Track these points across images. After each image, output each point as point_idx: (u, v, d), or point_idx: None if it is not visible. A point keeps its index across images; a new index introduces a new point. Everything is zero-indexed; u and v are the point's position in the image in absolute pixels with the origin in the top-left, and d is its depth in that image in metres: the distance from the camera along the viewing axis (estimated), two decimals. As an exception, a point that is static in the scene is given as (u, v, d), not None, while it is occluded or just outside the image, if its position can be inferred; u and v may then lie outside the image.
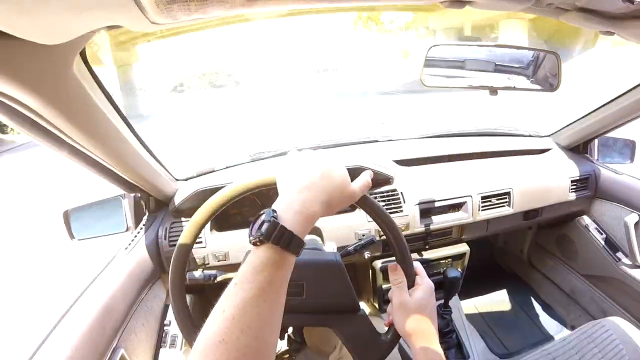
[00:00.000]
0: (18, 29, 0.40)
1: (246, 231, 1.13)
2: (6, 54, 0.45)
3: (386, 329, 0.73)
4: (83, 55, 0.64)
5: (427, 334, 0.64)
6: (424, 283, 0.68)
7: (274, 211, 0.47)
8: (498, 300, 1.80)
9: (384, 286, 1.34)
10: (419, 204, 1.23)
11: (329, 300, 0.82)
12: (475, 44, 1.03)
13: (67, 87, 0.59)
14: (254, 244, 0.46)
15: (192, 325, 0.76)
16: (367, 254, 1.24)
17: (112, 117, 0.75)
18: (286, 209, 0.48)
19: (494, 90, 0.99)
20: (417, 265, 0.71)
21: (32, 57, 0.48)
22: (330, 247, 1.12)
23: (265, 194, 1.21)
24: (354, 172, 0.56)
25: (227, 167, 1.31)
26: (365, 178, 0.57)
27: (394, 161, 1.31)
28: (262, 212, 0.48)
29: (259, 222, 0.47)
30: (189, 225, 0.74)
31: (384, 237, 1.18)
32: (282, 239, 0.45)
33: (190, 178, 1.25)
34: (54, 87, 0.56)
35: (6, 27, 0.39)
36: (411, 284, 0.68)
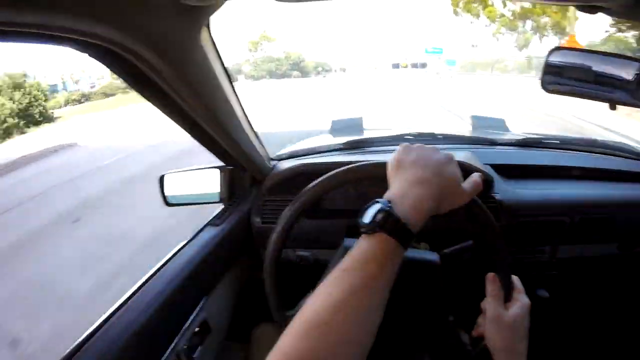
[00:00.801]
0: None
1: (337, 220, 1.12)
2: (136, 12, 0.46)
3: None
4: (208, 26, 0.65)
5: (518, 354, 0.61)
6: (522, 299, 0.64)
7: (389, 202, 0.46)
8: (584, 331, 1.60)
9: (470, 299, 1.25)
10: (515, 216, 1.12)
11: (421, 302, 0.78)
12: (602, 52, 0.90)
13: (192, 52, 0.61)
14: (366, 232, 0.45)
15: (282, 303, 0.76)
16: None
17: (226, 89, 0.76)
18: (400, 202, 0.46)
19: (613, 105, 0.89)
20: (516, 280, 0.66)
21: (161, 18, 0.49)
22: (423, 248, 1.06)
23: (362, 185, 1.18)
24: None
25: (320, 152, 1.30)
26: (476, 180, 0.54)
27: (493, 167, 1.20)
28: (374, 201, 0.47)
29: (372, 210, 0.45)
30: (296, 202, 0.74)
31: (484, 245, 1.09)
32: (396, 230, 0.44)
33: (283, 159, 1.25)
34: (178, 49, 0.57)
35: None
36: (508, 298, 0.64)
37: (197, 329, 0.91)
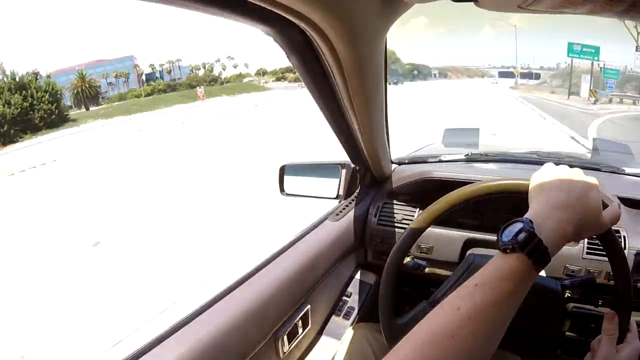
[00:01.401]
0: None
1: (456, 231, 1.09)
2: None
3: None
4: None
5: None
6: (635, 343, 0.62)
7: (531, 222, 0.46)
8: None
9: (569, 334, 1.14)
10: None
11: (534, 327, 0.76)
12: None
13: (375, 46, 0.63)
14: (504, 250, 0.45)
15: (393, 311, 0.76)
16: (567, 293, 1.07)
17: (383, 90, 0.78)
18: (542, 224, 0.46)
19: None
20: (632, 323, 0.65)
21: (363, 6, 0.51)
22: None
23: (485, 201, 1.14)
24: None
25: (440, 161, 1.28)
26: (615, 210, 0.54)
27: (620, 198, 1.08)
28: (517, 219, 0.47)
29: (514, 228, 0.45)
30: (428, 211, 0.74)
31: (609, 283, 0.99)
32: (536, 252, 0.44)
33: (403, 163, 1.25)
34: (366, 41, 0.59)
35: None
36: (621, 339, 0.62)
37: (298, 320, 0.94)
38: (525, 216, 0.48)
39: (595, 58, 19.87)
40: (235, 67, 54.20)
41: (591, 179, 0.52)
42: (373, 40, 0.61)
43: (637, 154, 1.65)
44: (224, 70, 52.95)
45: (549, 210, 0.48)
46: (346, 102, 0.75)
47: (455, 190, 0.72)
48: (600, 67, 20.12)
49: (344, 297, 1.20)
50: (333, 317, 1.18)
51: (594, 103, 17.92)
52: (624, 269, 0.63)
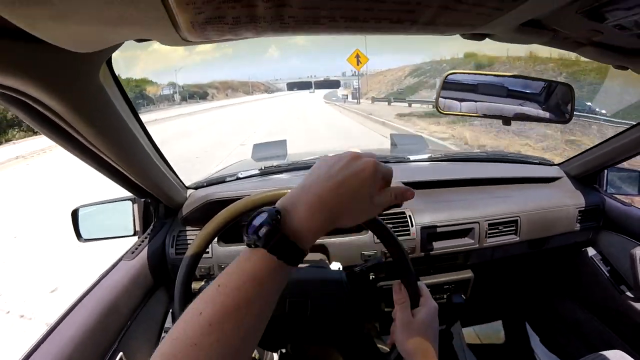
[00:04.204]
0: (51, 35, 0.41)
1: None
2: (35, 58, 0.46)
3: (388, 350, 0.73)
4: (109, 62, 0.66)
5: (428, 355, 0.62)
6: (428, 304, 0.67)
7: (278, 213, 0.41)
8: (499, 329, 1.77)
9: (387, 309, 1.33)
10: (426, 227, 1.22)
11: (333, 319, 0.81)
12: (492, 74, 1.03)
13: (91, 93, 0.60)
14: (248, 245, 0.40)
15: None
16: (372, 275, 1.24)
17: (131, 124, 0.76)
18: (291, 210, 0.41)
19: (507, 120, 1.00)
20: (422, 286, 0.70)
21: (59, 63, 0.50)
22: (335, 267, 1.12)
23: None
24: None
25: (237, 178, 1.31)
26: (389, 193, 0.51)
27: (403, 183, 1.31)
28: (262, 209, 0.41)
29: (257, 221, 0.40)
30: (200, 235, 0.74)
31: (390, 260, 1.17)
32: (281, 249, 0.39)
33: (201, 187, 1.25)
34: (78, 93, 0.57)
35: (39, 33, 0.40)
36: (415, 304, 0.67)
37: None
38: (277, 204, 0.43)
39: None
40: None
41: (368, 158, 0.46)
42: (87, 89, 0.59)
43: (428, 142, 2.01)
44: None
45: (302, 194, 0.43)
46: (98, 149, 0.72)
47: (221, 212, 0.74)
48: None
49: (164, 334, 1.15)
50: None
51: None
52: (395, 245, 0.69)
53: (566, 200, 1.41)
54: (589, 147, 1.41)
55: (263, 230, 0.39)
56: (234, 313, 0.37)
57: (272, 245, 0.39)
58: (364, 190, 0.44)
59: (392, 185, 0.49)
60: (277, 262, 0.39)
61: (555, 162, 1.58)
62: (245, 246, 0.41)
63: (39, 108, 0.55)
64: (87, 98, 0.59)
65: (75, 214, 1.14)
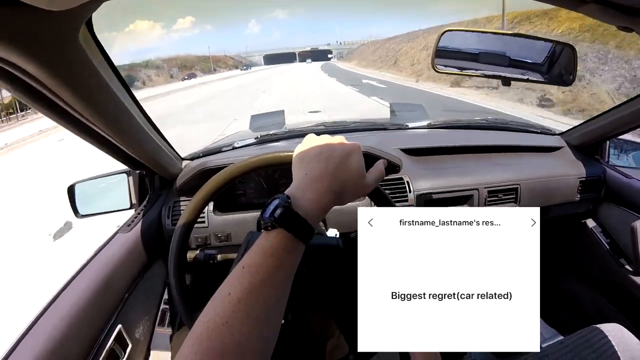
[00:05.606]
0: None
1: (250, 213, 1.13)
2: (9, 20, 0.44)
3: None
4: (89, 24, 0.63)
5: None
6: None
7: (288, 197, 0.47)
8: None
9: None
10: (424, 194, 1.22)
11: (328, 286, 0.81)
12: (490, 31, 0.99)
13: (72, 57, 0.58)
14: (265, 228, 0.46)
15: (191, 306, 0.75)
16: None
17: (118, 91, 0.74)
18: (300, 197, 0.48)
19: (507, 81, 0.97)
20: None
21: (36, 24, 0.47)
22: (332, 233, 1.12)
23: (272, 178, 1.21)
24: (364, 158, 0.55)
25: (233, 148, 1.30)
26: (379, 168, 0.57)
27: (402, 150, 1.30)
28: (275, 196, 0.47)
29: (272, 206, 0.46)
30: (191, 203, 0.73)
31: None
32: (294, 226, 0.45)
33: (197, 157, 1.24)
34: (58, 56, 0.54)
35: None
36: None
37: (113, 343, 0.89)
38: (286, 191, 0.48)
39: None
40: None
41: (352, 144, 0.53)
42: (66, 53, 0.56)
43: (428, 109, 1.97)
44: None
45: (308, 183, 0.49)
46: (86, 119, 0.70)
47: (212, 178, 0.72)
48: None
49: (164, 306, 1.16)
50: (157, 329, 1.14)
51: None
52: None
53: (567, 169, 1.39)
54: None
55: (278, 212, 0.45)
56: (260, 288, 0.41)
57: (287, 223, 0.45)
58: (361, 170, 0.52)
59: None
60: (292, 239, 0.45)
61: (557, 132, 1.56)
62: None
63: (21, 76, 0.53)
64: (67, 61, 0.57)
65: (71, 191, 1.14)
